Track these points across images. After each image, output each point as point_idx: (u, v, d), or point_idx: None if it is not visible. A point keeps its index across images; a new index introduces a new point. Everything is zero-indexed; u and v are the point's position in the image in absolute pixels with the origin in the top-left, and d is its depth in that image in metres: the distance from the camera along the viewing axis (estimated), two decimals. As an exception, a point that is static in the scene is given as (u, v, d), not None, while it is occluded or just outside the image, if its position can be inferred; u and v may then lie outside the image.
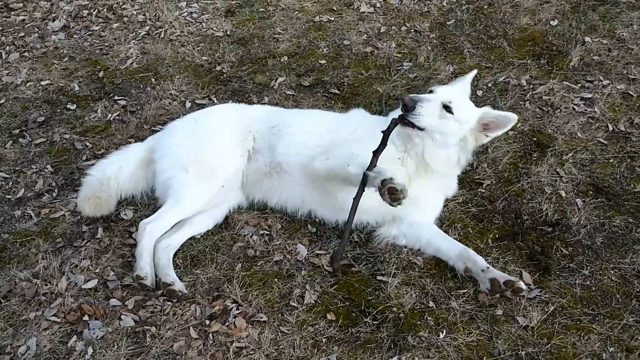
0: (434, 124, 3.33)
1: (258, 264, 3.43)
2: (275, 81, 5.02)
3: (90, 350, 2.93)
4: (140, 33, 5.77)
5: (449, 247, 3.38)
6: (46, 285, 3.25)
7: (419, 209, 3.52)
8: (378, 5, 6.02)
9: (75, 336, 3.01)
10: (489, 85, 4.81)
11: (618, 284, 3.25)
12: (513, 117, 3.37)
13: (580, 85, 4.73)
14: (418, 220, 3.52)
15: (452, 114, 3.34)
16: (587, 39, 5.25)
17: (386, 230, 3.56)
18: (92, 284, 3.28)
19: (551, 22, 5.53)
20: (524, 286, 3.14)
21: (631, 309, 3.10)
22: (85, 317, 3.08)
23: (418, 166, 3.48)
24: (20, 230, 3.69)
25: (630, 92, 4.61)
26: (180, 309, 3.13)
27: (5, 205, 3.89)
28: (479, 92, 4.73)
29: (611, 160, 4.05)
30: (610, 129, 4.30)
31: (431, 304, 3.15)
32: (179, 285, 3.23)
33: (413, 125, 3.33)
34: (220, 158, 3.68)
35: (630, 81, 4.73)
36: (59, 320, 3.09)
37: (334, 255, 3.35)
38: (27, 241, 3.59)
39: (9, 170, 4.17)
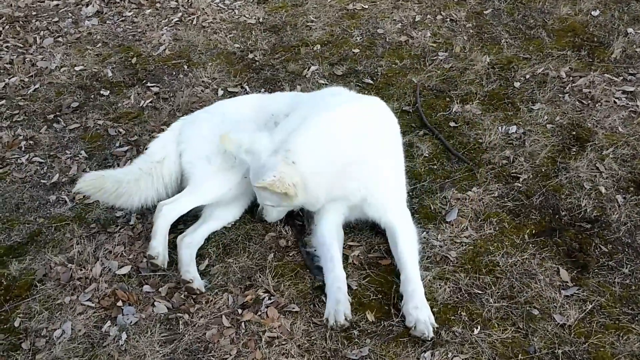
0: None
1: (290, 254, 3.41)
2: (308, 70, 4.97)
3: (124, 336, 2.95)
4: (172, 19, 5.77)
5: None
6: (81, 270, 3.29)
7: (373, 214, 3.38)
8: (412, -7, 5.93)
9: (109, 321, 3.04)
10: (527, 77, 4.69)
11: (660, 283, 3.16)
12: None
13: (622, 78, 4.59)
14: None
15: None
16: (630, 30, 5.09)
17: None
18: (125, 270, 3.30)
19: (592, 12, 5.37)
20: None
21: (673, 310, 3.01)
22: (119, 303, 3.11)
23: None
24: (55, 215, 3.73)
25: (675, 86, 4.47)
26: (212, 297, 3.13)
27: (41, 189, 3.94)
28: (517, 84, 4.62)
29: (653, 156, 3.93)
30: (653, 123, 4.17)
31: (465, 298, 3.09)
32: (198, 283, 3.19)
33: None
34: None
35: (675, 74, 4.58)
36: (93, 305, 3.13)
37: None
38: (62, 226, 3.63)
39: (43, 155, 4.22)
